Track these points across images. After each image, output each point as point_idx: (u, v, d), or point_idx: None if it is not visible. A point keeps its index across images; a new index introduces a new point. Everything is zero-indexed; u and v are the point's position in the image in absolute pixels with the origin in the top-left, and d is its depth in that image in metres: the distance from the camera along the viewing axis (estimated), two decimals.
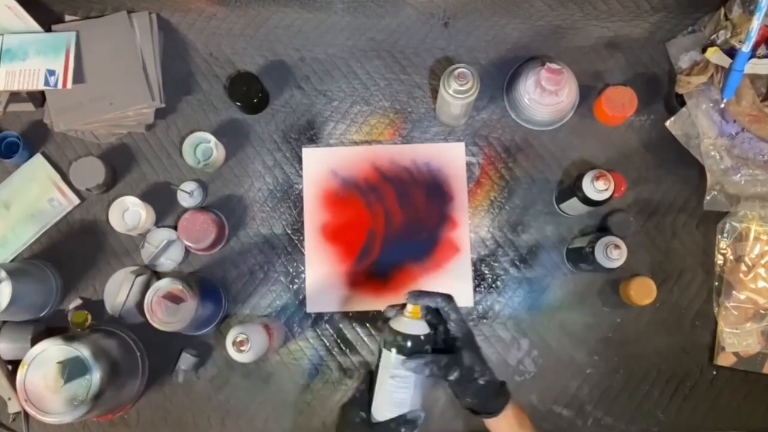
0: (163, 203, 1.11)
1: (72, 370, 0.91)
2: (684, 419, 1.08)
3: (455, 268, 1.10)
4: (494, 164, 1.13)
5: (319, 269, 1.10)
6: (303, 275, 1.11)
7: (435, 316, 0.80)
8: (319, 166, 1.13)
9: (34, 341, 0.99)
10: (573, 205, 1.05)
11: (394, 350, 0.76)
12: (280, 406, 1.08)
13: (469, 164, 1.13)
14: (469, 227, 1.12)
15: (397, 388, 0.76)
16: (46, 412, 0.90)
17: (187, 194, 1.10)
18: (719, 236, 1.10)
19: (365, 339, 1.10)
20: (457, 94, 1.00)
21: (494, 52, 1.16)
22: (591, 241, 1.02)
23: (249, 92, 1.09)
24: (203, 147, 1.10)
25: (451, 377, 0.78)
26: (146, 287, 1.05)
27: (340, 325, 1.10)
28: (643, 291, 1.03)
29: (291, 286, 1.11)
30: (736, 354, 1.08)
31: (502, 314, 1.10)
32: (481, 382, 0.79)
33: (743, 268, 1.09)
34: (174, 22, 1.16)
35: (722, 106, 1.07)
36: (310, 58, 1.16)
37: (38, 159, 1.12)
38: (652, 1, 1.15)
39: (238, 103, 1.10)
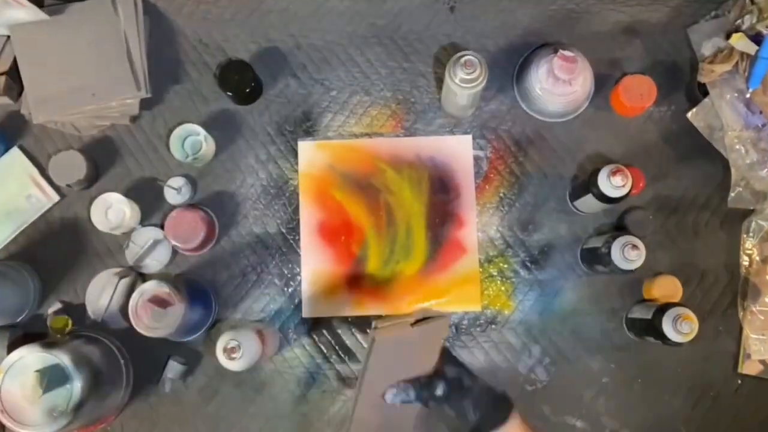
0: (148, 200, 1.11)
1: (51, 378, 0.91)
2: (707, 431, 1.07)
3: (462, 270, 1.10)
4: (503, 158, 1.13)
5: (316, 271, 1.10)
6: (299, 277, 1.10)
7: None
8: (316, 160, 1.12)
9: (11, 348, 0.98)
10: (588, 203, 1.04)
11: None
12: (274, 417, 1.08)
13: (476, 158, 1.12)
14: (477, 226, 1.11)
15: None
16: (23, 423, 0.90)
17: (175, 191, 1.10)
18: (744, 235, 1.10)
19: (365, 346, 1.09)
20: (463, 84, 1.00)
21: (503, 39, 1.15)
22: (607, 240, 1.01)
23: (241, 81, 1.09)
24: (192, 140, 1.09)
25: (439, 392, 0.79)
26: (131, 290, 1.05)
27: (339, 331, 1.10)
28: (668, 289, 1.04)
29: (286, 289, 1.11)
30: (762, 362, 1.07)
31: (512, 319, 1.10)
32: (475, 390, 0.79)
33: None
34: (161, 6, 1.16)
35: (748, 96, 1.06)
36: (306, 44, 1.15)
37: (15, 153, 1.12)
38: None
39: (230, 93, 1.10)
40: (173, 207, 1.10)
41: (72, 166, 1.07)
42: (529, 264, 1.11)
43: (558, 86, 1.06)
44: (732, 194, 1.09)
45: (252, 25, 1.16)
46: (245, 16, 1.16)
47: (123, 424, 1.07)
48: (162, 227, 1.08)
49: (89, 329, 1.07)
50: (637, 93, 1.08)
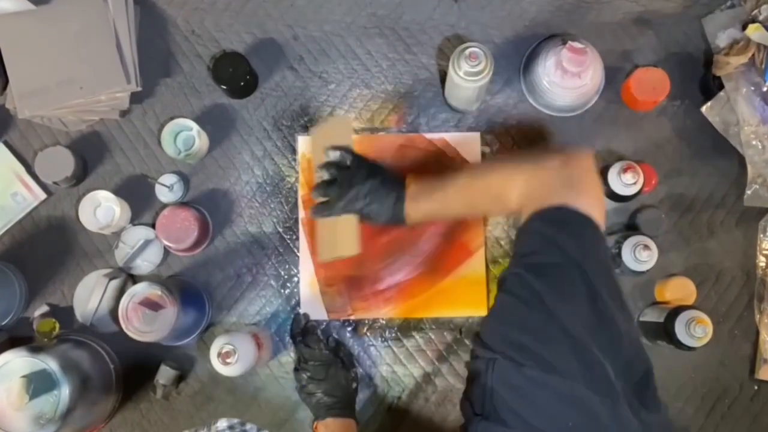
0: (139, 198, 1.11)
1: (38, 384, 0.91)
2: None
3: (468, 272, 1.10)
4: (510, 154, 1.12)
5: (314, 272, 1.10)
6: (296, 279, 1.10)
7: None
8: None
9: None
10: None
11: None
12: (271, 425, 1.08)
13: (482, 155, 1.12)
14: (483, 226, 1.11)
15: None
16: (9, 431, 0.90)
17: (167, 188, 1.10)
18: (761, 235, 1.10)
19: (365, 350, 1.09)
20: (468, 77, 1.00)
21: (510, 30, 1.15)
22: (618, 240, 1.02)
23: (235, 74, 1.09)
24: (184, 135, 1.09)
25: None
26: (121, 292, 1.05)
27: (338, 335, 1.09)
28: (681, 291, 1.04)
29: (283, 290, 1.10)
30: None
31: None
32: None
33: None
34: None
35: (765, 89, 1.06)
36: (303, 35, 1.15)
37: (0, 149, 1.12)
38: None
39: (224, 87, 1.10)
40: (165, 205, 1.10)
41: (59, 162, 1.06)
42: None
43: (567, 79, 1.06)
44: (748, 192, 1.09)
45: (247, 14, 1.15)
46: (240, 6, 1.16)
47: None
48: (153, 226, 1.08)
49: (77, 333, 1.07)
50: (650, 86, 1.08)
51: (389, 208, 0.90)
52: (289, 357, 1.09)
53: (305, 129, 1.13)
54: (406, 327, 1.10)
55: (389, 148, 1.12)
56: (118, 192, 1.08)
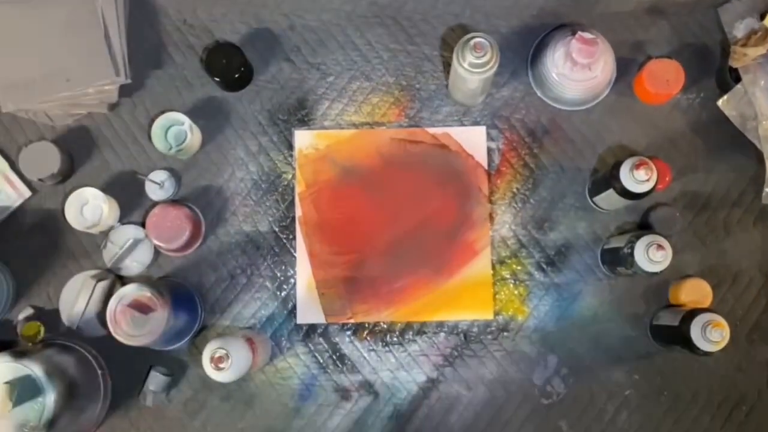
0: (128, 196, 1.11)
1: (22, 391, 0.91)
2: None
3: (473, 273, 1.09)
4: (517, 150, 1.12)
5: (311, 273, 1.09)
6: (292, 280, 1.10)
7: None
8: (314, 152, 1.12)
9: None
10: (609, 198, 1.04)
11: None
12: None
13: (487, 150, 1.12)
14: (489, 225, 1.11)
15: None
16: None
17: (157, 185, 1.09)
18: None
19: (365, 355, 1.09)
20: (473, 68, 0.99)
21: (517, 19, 1.15)
22: (630, 240, 1.01)
23: (229, 66, 1.09)
24: (176, 130, 1.09)
25: None
26: (109, 294, 1.04)
27: (336, 339, 1.10)
28: (696, 293, 1.04)
29: (278, 293, 1.10)
30: None
31: (526, 326, 1.09)
32: None
33: None
34: None
35: None
36: (301, 25, 1.15)
37: None
38: None
39: (217, 79, 1.10)
40: (155, 203, 1.09)
41: (45, 158, 1.06)
42: (544, 266, 1.10)
43: (576, 71, 1.06)
44: (766, 190, 1.09)
45: (241, 3, 1.15)
46: None
47: None
48: (143, 225, 1.08)
49: (63, 337, 1.07)
50: (663, 79, 1.07)
51: None
52: (285, 362, 1.09)
53: (302, 123, 1.13)
54: (409, 331, 1.09)
55: (390, 143, 1.12)
56: (106, 189, 1.08)
